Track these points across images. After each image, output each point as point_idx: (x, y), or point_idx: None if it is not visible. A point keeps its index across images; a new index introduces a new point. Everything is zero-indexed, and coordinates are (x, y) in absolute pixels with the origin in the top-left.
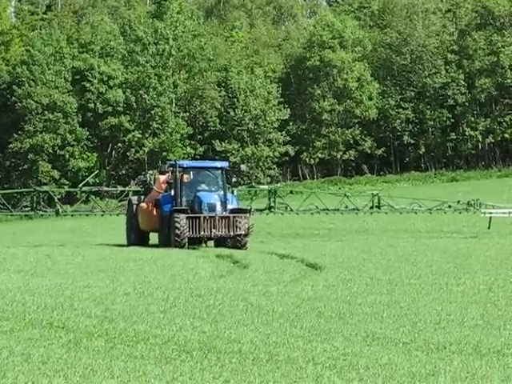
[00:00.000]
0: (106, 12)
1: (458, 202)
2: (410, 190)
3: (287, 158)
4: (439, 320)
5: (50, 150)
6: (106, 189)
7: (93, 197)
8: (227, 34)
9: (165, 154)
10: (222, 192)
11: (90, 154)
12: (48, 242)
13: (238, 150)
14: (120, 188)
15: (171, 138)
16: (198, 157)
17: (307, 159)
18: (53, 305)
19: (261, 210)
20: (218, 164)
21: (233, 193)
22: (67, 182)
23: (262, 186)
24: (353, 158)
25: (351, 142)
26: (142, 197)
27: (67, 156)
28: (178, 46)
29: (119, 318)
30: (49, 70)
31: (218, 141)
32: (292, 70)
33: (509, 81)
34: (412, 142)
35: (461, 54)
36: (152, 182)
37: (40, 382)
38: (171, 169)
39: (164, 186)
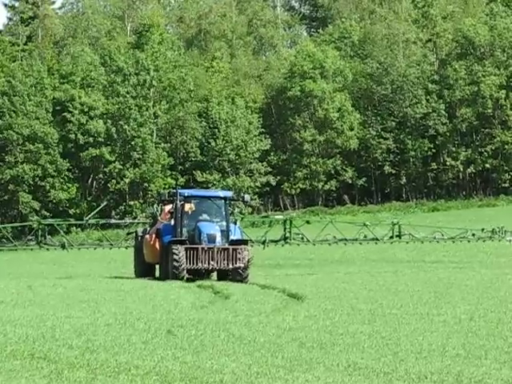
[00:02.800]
0: (86, 43)
1: (483, 229)
2: (391, 219)
3: (268, 189)
4: (420, 350)
5: (31, 181)
6: (113, 221)
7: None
8: (208, 64)
9: (146, 184)
10: (224, 223)
11: (70, 185)
12: (29, 273)
13: (219, 181)
14: (129, 220)
15: (152, 169)
16: (179, 187)
17: (288, 189)
18: (34, 336)
19: (276, 241)
20: (221, 193)
21: (235, 223)
22: (47, 214)
23: (277, 217)
24: (334, 189)
25: (332, 172)
26: (148, 228)
27: (48, 187)
28: (158, 77)
29: (101, 349)
30: (30, 100)
31: (199, 171)
32: (273, 101)
33: (489, 110)
34: (393, 171)
35: (441, 84)
36: (158, 213)
37: None
38: (171, 198)
39: (168, 217)
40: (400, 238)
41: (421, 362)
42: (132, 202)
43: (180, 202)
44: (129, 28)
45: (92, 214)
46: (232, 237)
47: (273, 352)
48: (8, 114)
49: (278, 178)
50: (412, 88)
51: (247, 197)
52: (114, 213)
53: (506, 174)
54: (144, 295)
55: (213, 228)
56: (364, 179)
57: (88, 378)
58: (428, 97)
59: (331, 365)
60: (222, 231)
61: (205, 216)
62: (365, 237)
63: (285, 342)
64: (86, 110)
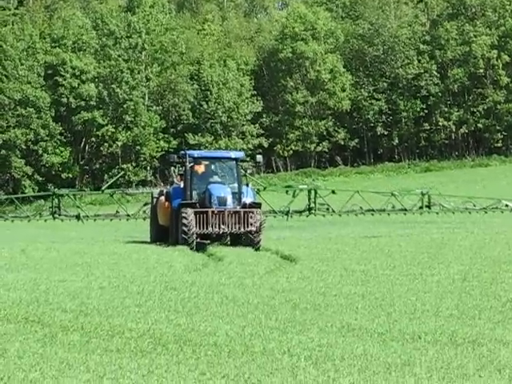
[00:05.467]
0: (77, 6)
1: None
2: (384, 180)
3: (261, 151)
4: (414, 310)
5: (23, 146)
6: (130, 191)
7: (117, 199)
8: (199, 27)
9: (138, 147)
10: (236, 184)
11: (63, 149)
12: (23, 238)
13: (212, 143)
14: (146, 190)
15: (144, 132)
16: (172, 150)
17: (281, 151)
18: (28, 299)
19: (300, 212)
20: (233, 154)
21: (247, 185)
22: (40, 178)
23: (301, 186)
24: (326, 150)
25: (324, 133)
26: (165, 190)
27: (40, 151)
28: (150, 40)
29: (94, 312)
30: (21, 65)
31: (191, 134)
32: (264, 63)
33: (481, 70)
34: (385, 132)
35: (433, 45)
36: (174, 176)
37: (16, 376)
38: (180, 160)
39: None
40: (430, 208)
41: (414, 322)
42: (125, 166)
43: (189, 163)
44: None
45: (108, 184)
46: (244, 199)
47: (266, 314)
48: (0, 78)
49: (271, 139)
50: (403, 49)
51: (259, 157)
52: (106, 176)
53: (499, 134)
54: (137, 258)
55: (224, 190)
56: (356, 140)
57: (82, 341)
58: (420, 57)
59: (325, 326)
60: (233, 193)
61: (215, 178)
62: (393, 207)
63: (278, 304)
64: (78, 73)
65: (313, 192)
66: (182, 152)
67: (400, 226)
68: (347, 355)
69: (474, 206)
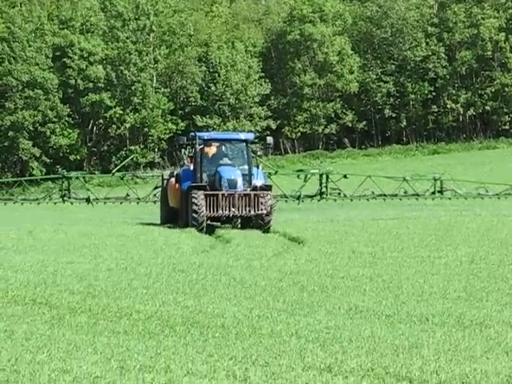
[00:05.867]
0: None
1: None
2: (392, 163)
3: (268, 133)
4: (422, 292)
5: (31, 128)
6: (140, 174)
7: (128, 182)
8: (207, 9)
9: (146, 129)
10: (246, 166)
11: (70, 131)
12: (30, 220)
13: (220, 125)
14: (156, 173)
15: (152, 114)
16: (180, 132)
17: (289, 133)
18: (36, 281)
19: (311, 197)
20: (243, 136)
21: (258, 167)
22: (48, 160)
23: (312, 170)
24: (334, 132)
25: (332, 115)
26: (175, 172)
27: (48, 133)
28: (158, 22)
29: (102, 294)
30: (29, 46)
31: (199, 116)
32: (273, 45)
33: (489, 53)
34: (393, 115)
35: (441, 27)
36: (185, 157)
37: (23, 358)
38: (190, 142)
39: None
40: (442, 193)
41: (422, 304)
42: (133, 147)
43: (199, 145)
44: None
45: (118, 166)
46: (255, 181)
47: (274, 296)
48: (8, 60)
49: (279, 122)
50: (411, 31)
51: (269, 139)
52: (114, 158)
53: (506, 116)
54: (145, 240)
55: (234, 173)
56: (364, 123)
57: (89, 322)
58: (428, 40)
59: (332, 308)
60: (243, 176)
61: (226, 160)
62: (405, 192)
63: (286, 286)
64: (86, 55)
65: (324, 176)
66: (192, 134)
67: (408, 209)
68: (355, 337)
69: (487, 191)
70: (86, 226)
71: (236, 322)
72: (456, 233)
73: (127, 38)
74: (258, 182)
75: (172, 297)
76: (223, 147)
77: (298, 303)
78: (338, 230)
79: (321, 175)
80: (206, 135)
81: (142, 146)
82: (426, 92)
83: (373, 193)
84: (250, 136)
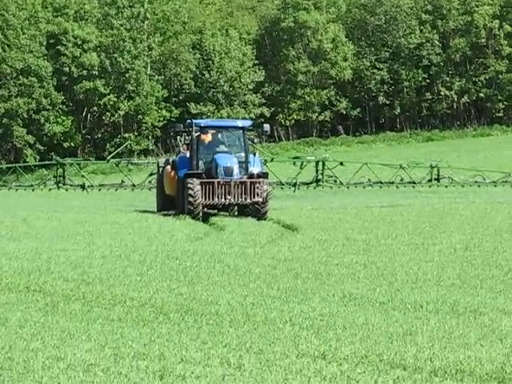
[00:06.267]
0: None
1: None
2: (386, 150)
3: (263, 120)
4: (416, 279)
5: (25, 115)
6: (135, 161)
7: (123, 168)
8: None
9: (140, 116)
10: (242, 154)
11: (65, 118)
12: (24, 207)
13: (214, 112)
14: (151, 160)
15: (146, 101)
16: (174, 119)
17: (283, 121)
18: (30, 269)
19: (307, 184)
20: (240, 123)
21: (254, 154)
22: (42, 147)
23: (308, 157)
24: (328, 119)
25: (326, 103)
26: (170, 159)
27: (42, 120)
28: (152, 9)
29: (96, 281)
30: (23, 34)
31: (193, 103)
32: (266, 32)
33: (483, 40)
34: (387, 102)
35: (435, 14)
36: (181, 145)
37: (17, 345)
38: (186, 129)
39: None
40: (439, 181)
41: (416, 291)
42: (127, 135)
43: (196, 132)
44: None
45: (113, 153)
46: (251, 169)
47: (268, 283)
48: (2, 47)
49: (273, 109)
50: (405, 18)
51: (266, 126)
52: (108, 145)
53: (500, 104)
54: (139, 227)
55: (230, 160)
56: (358, 110)
57: (83, 310)
58: (421, 27)
59: (326, 295)
60: (240, 163)
61: (222, 147)
62: (401, 180)
63: (280, 273)
64: (80, 43)
65: (320, 164)
66: (189, 121)
67: (402, 196)
68: (349, 324)
69: (484, 179)
70: (80, 213)
71: (230, 310)
72: (450, 220)
73: (121, 25)
74: (255, 169)
75: (166, 284)
76: (220, 134)
77: (292, 290)
78: (332, 218)
79: (317, 162)
80: (202, 122)
81: (136, 134)
82: (420, 79)
83: (369, 180)
84: (247, 123)
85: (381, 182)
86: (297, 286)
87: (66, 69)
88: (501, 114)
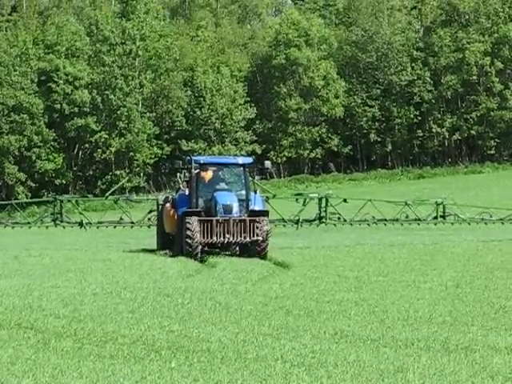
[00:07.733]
0: (71, 12)
1: None
2: (378, 187)
3: (254, 157)
4: (407, 317)
5: (16, 152)
6: (134, 197)
7: (121, 205)
8: (193, 33)
9: (132, 154)
10: (243, 192)
11: (56, 156)
12: (16, 244)
13: (205, 150)
14: (151, 196)
15: (138, 138)
16: (165, 157)
17: (274, 158)
18: (21, 306)
19: (310, 221)
20: (240, 160)
21: (256, 192)
22: (33, 185)
23: (311, 194)
24: (319, 157)
25: (318, 140)
26: (170, 196)
27: (33, 157)
28: (144, 46)
29: (87, 319)
30: (15, 71)
31: (184, 140)
32: (258, 69)
33: (474, 77)
34: (379, 139)
35: (426, 51)
36: (180, 182)
37: (9, 382)
38: (185, 166)
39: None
40: (444, 218)
41: (407, 328)
42: (118, 172)
43: (195, 170)
44: None
45: (111, 190)
46: (252, 207)
47: (259, 320)
48: None
49: (264, 146)
50: (397, 55)
51: (267, 163)
52: (100, 182)
53: (492, 141)
54: (130, 264)
55: (230, 198)
56: (349, 147)
57: (75, 347)
58: (413, 64)
59: (318, 332)
60: (241, 201)
61: (222, 185)
62: (406, 217)
63: (271, 310)
64: (71, 79)
65: (324, 200)
66: (188, 158)
67: (394, 233)
68: (340, 362)
69: (491, 216)
70: (71, 250)
71: (221, 347)
72: (441, 257)
73: (113, 62)
74: (256, 207)
75: (157, 321)
76: (220, 172)
77: (284, 327)
78: (324, 255)
79: (320, 199)
80: (202, 159)
81: (127, 171)
82: (412, 116)
83: (373, 217)
84: (248, 160)
85: (385, 220)
86: (288, 323)
87: (58, 106)
88: (492, 152)
